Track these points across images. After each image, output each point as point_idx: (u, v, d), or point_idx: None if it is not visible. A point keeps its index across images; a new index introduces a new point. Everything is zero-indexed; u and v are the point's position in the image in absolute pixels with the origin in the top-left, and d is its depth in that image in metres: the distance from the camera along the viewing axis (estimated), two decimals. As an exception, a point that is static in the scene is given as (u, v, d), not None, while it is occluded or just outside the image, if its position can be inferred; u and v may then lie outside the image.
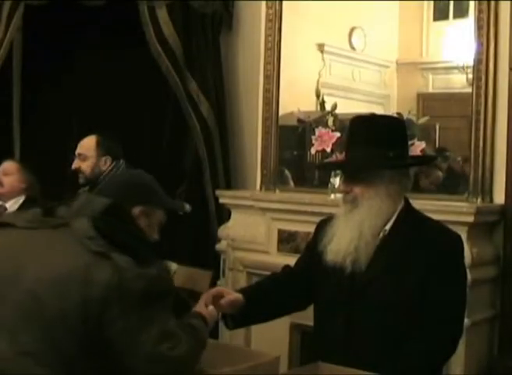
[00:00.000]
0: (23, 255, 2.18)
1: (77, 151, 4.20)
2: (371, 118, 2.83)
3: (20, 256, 2.19)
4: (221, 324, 4.64)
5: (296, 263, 3.00)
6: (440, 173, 4.43)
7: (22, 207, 4.58)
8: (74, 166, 4.19)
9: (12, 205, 4.57)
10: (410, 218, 2.67)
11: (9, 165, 4.66)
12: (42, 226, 2.25)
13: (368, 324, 2.58)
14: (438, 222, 2.77)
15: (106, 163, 4.16)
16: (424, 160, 3.80)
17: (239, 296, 2.72)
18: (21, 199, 4.58)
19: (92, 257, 2.11)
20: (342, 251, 2.61)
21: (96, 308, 2.06)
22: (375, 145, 2.61)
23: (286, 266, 3.01)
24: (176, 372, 2.18)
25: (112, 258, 2.10)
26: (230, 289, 4.52)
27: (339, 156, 4.31)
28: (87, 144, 4.20)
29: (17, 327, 2.08)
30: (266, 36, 4.86)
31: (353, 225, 2.60)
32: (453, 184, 4.40)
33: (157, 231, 2.54)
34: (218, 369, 2.29)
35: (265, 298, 2.84)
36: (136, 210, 2.43)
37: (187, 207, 2.82)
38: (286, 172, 4.92)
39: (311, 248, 2.85)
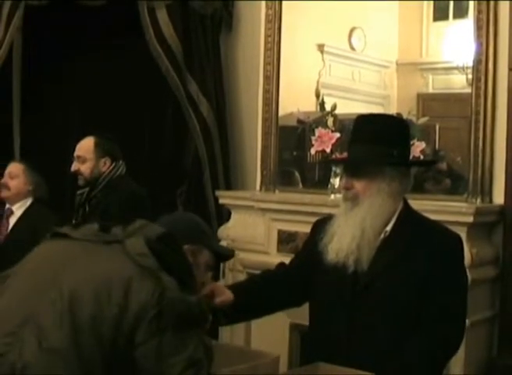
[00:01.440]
0: (72, 261, 2.21)
1: (76, 153, 4.19)
2: (376, 116, 2.84)
3: (68, 261, 2.22)
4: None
5: (291, 261, 3.01)
6: (448, 181, 4.43)
7: (30, 208, 4.57)
8: (73, 168, 4.18)
9: (18, 208, 4.57)
10: (410, 219, 2.67)
11: (15, 167, 4.63)
12: (96, 240, 2.28)
13: (370, 324, 2.58)
14: (437, 222, 2.77)
15: (105, 164, 4.15)
16: (425, 162, 3.81)
17: (229, 295, 2.72)
18: (28, 201, 4.56)
19: (139, 271, 2.13)
20: (344, 250, 2.60)
21: (130, 321, 2.07)
22: (379, 143, 2.61)
23: (281, 264, 3.02)
24: None
25: (158, 276, 2.12)
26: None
27: (338, 156, 4.31)
28: (86, 146, 4.19)
29: (48, 324, 2.09)
30: (266, 36, 4.85)
31: (354, 223, 2.59)
32: (452, 185, 4.41)
33: (205, 274, 2.58)
34: (218, 369, 2.29)
35: (257, 293, 2.85)
36: (186, 247, 2.44)
37: (232, 251, 2.86)
38: (296, 174, 4.92)
39: (308, 248, 2.85)
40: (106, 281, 2.12)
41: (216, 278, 4.70)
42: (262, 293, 2.85)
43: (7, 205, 4.59)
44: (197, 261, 2.50)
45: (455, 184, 4.39)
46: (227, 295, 2.72)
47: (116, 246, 2.23)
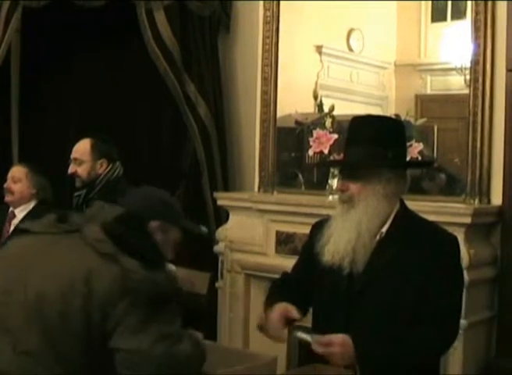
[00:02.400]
0: (33, 260, 2.22)
1: (72, 155, 4.19)
2: (372, 118, 2.84)
3: (30, 260, 2.22)
4: (219, 325, 4.69)
5: (293, 268, 2.99)
6: (443, 176, 4.42)
7: (32, 211, 4.56)
8: (70, 170, 4.19)
9: (21, 211, 4.55)
10: (406, 220, 2.67)
11: (18, 171, 4.61)
12: (55, 232, 2.29)
13: (366, 325, 2.58)
14: (434, 223, 2.77)
15: (102, 166, 4.15)
16: (422, 164, 3.81)
17: (294, 310, 2.69)
18: (31, 204, 4.55)
19: (99, 260, 2.14)
20: (340, 252, 2.61)
21: (98, 310, 2.08)
22: (375, 145, 2.61)
23: (284, 274, 3.01)
24: (179, 370, 2.18)
25: (118, 261, 2.13)
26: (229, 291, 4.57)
27: (336, 157, 4.32)
28: (82, 149, 4.19)
29: (20, 328, 2.10)
30: (264, 38, 4.85)
31: (350, 225, 2.60)
32: (447, 182, 4.41)
33: (171, 251, 2.55)
34: (216, 370, 2.29)
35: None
36: (154, 224, 2.43)
37: (204, 230, 2.85)
38: (300, 175, 4.92)
39: (307, 251, 2.85)
40: (69, 275, 2.12)
41: (215, 280, 4.70)
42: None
43: (10, 208, 4.58)
44: (167, 237, 2.49)
45: (449, 183, 4.39)
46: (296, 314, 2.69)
47: (75, 235, 2.24)
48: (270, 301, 2.77)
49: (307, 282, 2.82)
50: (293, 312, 2.64)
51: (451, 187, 4.39)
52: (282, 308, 2.66)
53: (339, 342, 2.47)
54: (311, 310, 2.85)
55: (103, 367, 2.15)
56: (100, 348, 2.11)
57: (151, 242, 2.35)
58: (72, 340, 2.08)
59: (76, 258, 2.17)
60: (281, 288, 2.91)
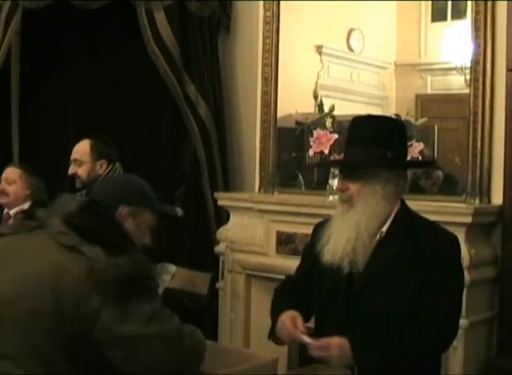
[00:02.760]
0: (3, 262, 2.23)
1: (72, 156, 4.20)
2: (372, 118, 2.84)
3: (0, 263, 2.23)
4: (220, 325, 4.69)
5: (296, 270, 2.99)
6: (441, 173, 4.42)
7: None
8: (70, 171, 4.20)
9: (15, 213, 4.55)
10: (406, 219, 2.67)
11: (12, 172, 4.60)
12: (21, 231, 2.29)
13: (366, 325, 2.58)
14: (434, 223, 2.77)
15: (102, 167, 4.15)
16: (422, 163, 3.81)
17: (298, 315, 2.68)
18: (26, 205, 4.55)
19: (64, 253, 2.14)
20: (339, 252, 2.61)
21: (70, 305, 2.07)
22: (374, 145, 2.62)
23: (288, 278, 3.01)
24: (173, 348, 2.18)
25: (81, 252, 2.12)
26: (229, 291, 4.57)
27: (337, 157, 4.32)
28: (82, 150, 4.20)
29: None
30: (264, 38, 4.86)
31: (349, 225, 2.60)
32: (450, 185, 4.41)
33: (147, 235, 2.51)
34: (217, 370, 2.29)
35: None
36: (123, 210, 2.41)
37: (179, 211, 2.76)
38: (300, 176, 4.92)
39: (309, 252, 2.85)
40: (36, 271, 2.13)
41: (215, 280, 4.71)
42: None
43: (5, 210, 4.58)
44: (138, 222, 2.44)
45: (447, 181, 4.39)
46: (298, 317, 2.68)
47: (40, 231, 2.25)
48: (276, 311, 2.78)
49: (310, 284, 2.83)
50: (299, 320, 2.64)
51: (448, 185, 4.39)
52: (290, 316, 2.65)
53: (336, 345, 2.48)
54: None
55: (88, 365, 2.14)
56: (81, 344, 2.10)
57: (115, 228, 2.31)
58: (50, 338, 2.08)
59: (42, 255, 2.17)
60: (284, 296, 2.90)
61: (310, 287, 2.82)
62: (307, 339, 2.53)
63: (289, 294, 2.89)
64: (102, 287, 2.07)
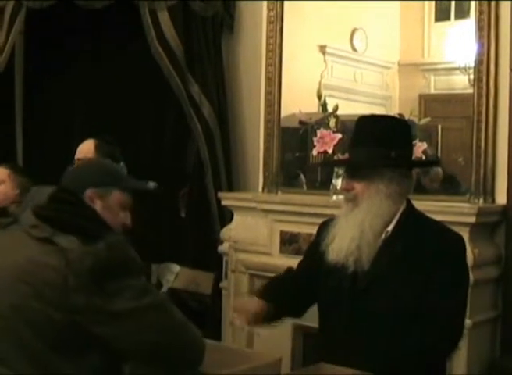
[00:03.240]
0: None
1: (76, 156, 4.19)
2: (377, 118, 2.84)
3: None
4: (224, 325, 4.69)
5: (298, 265, 3.01)
6: (440, 170, 4.42)
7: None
8: None
9: None
10: (412, 219, 2.67)
11: (0, 172, 4.58)
12: None
13: (370, 324, 2.58)
14: (440, 223, 2.77)
15: None
16: (426, 163, 3.81)
17: (262, 305, 2.72)
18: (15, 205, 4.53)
19: (38, 246, 2.12)
20: (343, 250, 2.61)
21: (52, 294, 2.05)
22: (378, 145, 2.62)
23: (289, 270, 3.02)
24: (167, 317, 2.18)
25: (55, 243, 2.10)
26: (233, 291, 4.57)
27: (340, 157, 4.32)
28: (86, 149, 4.19)
29: None
30: (267, 38, 4.86)
31: (354, 224, 2.60)
32: (452, 184, 4.41)
33: (125, 215, 2.43)
34: (220, 370, 2.29)
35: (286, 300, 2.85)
36: (88, 193, 2.34)
37: (151, 185, 2.71)
38: (301, 176, 4.92)
39: (313, 250, 2.85)
40: (14, 268, 2.11)
41: (219, 280, 4.71)
42: (283, 300, 2.85)
43: None
44: (107, 203, 2.37)
45: (447, 178, 4.39)
46: (258, 305, 2.72)
47: (14, 227, 2.24)
48: (264, 288, 2.88)
49: (308, 280, 2.84)
50: (254, 305, 2.71)
51: (449, 184, 4.39)
52: (257, 303, 2.73)
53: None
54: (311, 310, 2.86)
55: (84, 360, 2.12)
56: (74, 336, 2.08)
57: (85, 213, 2.27)
58: (33, 332, 2.06)
59: (17, 250, 2.16)
60: (277, 284, 2.95)
61: (306, 283, 2.84)
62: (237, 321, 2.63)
63: (281, 284, 2.93)
64: (81, 276, 2.05)
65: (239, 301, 2.76)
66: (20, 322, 2.07)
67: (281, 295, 2.83)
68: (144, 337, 2.13)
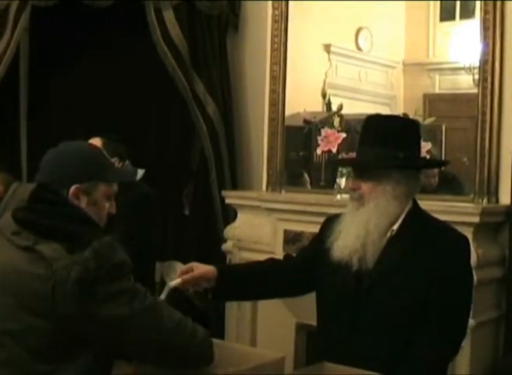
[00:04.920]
0: None
1: None
2: (385, 118, 2.84)
3: None
4: (227, 324, 4.70)
5: (297, 254, 3.07)
6: (436, 169, 4.40)
7: None
8: None
9: None
10: (417, 219, 2.67)
11: None
12: None
13: (374, 323, 2.58)
14: (444, 223, 2.77)
15: None
16: (434, 164, 3.80)
17: (210, 269, 2.74)
18: None
19: (20, 254, 2.01)
20: (348, 248, 2.61)
21: (39, 305, 1.98)
22: (386, 145, 2.61)
23: (287, 255, 3.06)
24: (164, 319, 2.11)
25: (38, 251, 1.99)
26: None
27: (345, 157, 4.32)
28: None
29: None
30: (272, 37, 4.86)
31: (359, 223, 2.60)
32: (452, 184, 4.41)
33: (110, 204, 2.31)
34: (223, 369, 2.29)
35: (251, 276, 2.90)
36: (73, 190, 2.19)
37: (139, 173, 2.59)
38: (305, 175, 4.92)
39: (316, 244, 2.86)
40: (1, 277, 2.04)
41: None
42: (255, 277, 2.89)
43: None
44: (93, 198, 2.23)
45: (445, 178, 4.39)
46: (208, 269, 2.74)
47: None
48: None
49: (301, 271, 2.87)
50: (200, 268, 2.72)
51: (449, 183, 4.39)
52: (187, 266, 2.74)
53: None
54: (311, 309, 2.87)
55: (71, 365, 2.05)
56: (60, 344, 2.02)
57: (70, 214, 2.13)
58: (17, 343, 2.00)
59: (2, 259, 2.05)
60: (252, 264, 3.09)
61: (303, 269, 2.87)
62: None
63: (274, 264, 2.97)
64: (69, 287, 1.95)
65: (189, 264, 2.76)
66: (5, 334, 2.00)
67: (247, 273, 2.89)
68: (141, 340, 2.09)
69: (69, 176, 2.21)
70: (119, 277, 2.05)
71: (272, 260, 3.02)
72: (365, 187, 2.62)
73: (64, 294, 1.96)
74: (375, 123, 2.74)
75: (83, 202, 2.21)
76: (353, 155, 3.64)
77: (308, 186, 4.91)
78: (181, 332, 2.15)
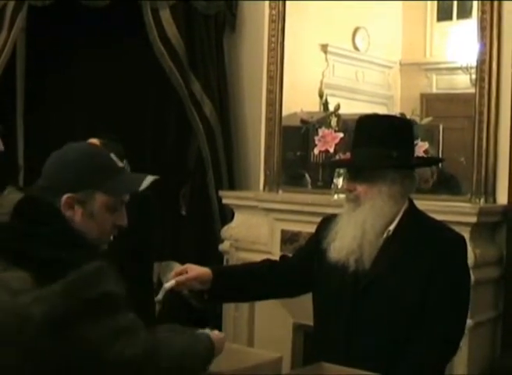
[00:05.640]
0: None
1: None
2: (378, 117, 2.83)
3: None
4: (224, 324, 4.69)
5: (293, 254, 3.07)
6: (428, 169, 4.39)
7: None
8: None
9: None
10: (413, 219, 2.66)
11: None
12: None
13: (370, 324, 2.58)
14: (441, 222, 2.77)
15: None
16: (428, 161, 3.80)
17: (205, 271, 2.74)
18: None
19: None
20: (345, 249, 2.61)
21: (7, 341, 1.75)
22: (380, 145, 2.61)
23: (283, 256, 3.09)
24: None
25: (3, 281, 1.76)
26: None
27: (342, 157, 4.32)
28: None
29: None
30: (269, 36, 4.86)
31: (355, 224, 2.60)
32: (451, 185, 4.41)
33: (112, 217, 2.05)
34: (220, 369, 2.29)
35: (247, 277, 2.89)
36: (65, 199, 1.96)
37: (148, 179, 2.19)
38: (307, 176, 4.92)
39: (313, 245, 2.85)
40: None
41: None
42: (251, 278, 2.88)
43: None
44: (89, 209, 1.99)
45: (445, 180, 4.39)
46: (203, 271, 2.74)
47: None
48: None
49: (298, 272, 2.86)
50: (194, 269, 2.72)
51: (446, 183, 4.39)
52: (182, 268, 2.73)
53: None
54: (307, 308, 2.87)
55: None
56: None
57: (52, 235, 1.87)
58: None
59: None
60: (245, 265, 3.10)
61: (299, 269, 2.87)
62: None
63: (271, 265, 2.95)
64: (34, 325, 1.72)
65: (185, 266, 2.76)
66: None
67: (243, 275, 2.89)
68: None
69: (66, 183, 1.98)
70: (103, 314, 1.79)
71: (268, 261, 3.01)
72: (361, 188, 2.62)
73: (31, 333, 1.72)
74: (367, 123, 2.73)
75: (77, 214, 1.98)
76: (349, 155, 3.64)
77: (309, 186, 4.90)
78: (183, 369, 1.97)
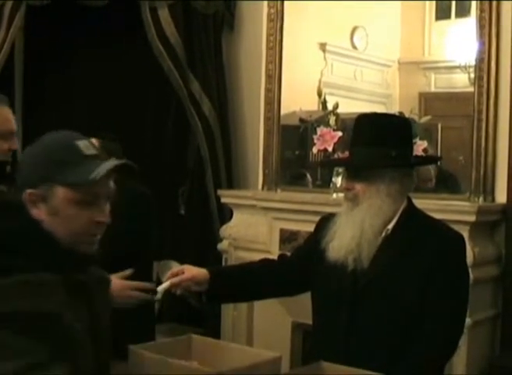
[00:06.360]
0: None
1: None
2: (376, 116, 2.82)
3: None
4: (223, 323, 4.69)
5: (292, 253, 3.07)
6: (430, 168, 4.40)
7: None
8: None
9: None
10: (412, 217, 2.66)
11: None
12: None
13: (370, 323, 2.58)
14: (440, 221, 2.77)
15: None
16: (427, 160, 3.80)
17: (202, 272, 2.74)
18: None
19: None
20: (343, 248, 2.61)
21: None
22: (378, 144, 2.61)
23: (282, 255, 3.09)
24: None
25: None
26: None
27: (340, 155, 4.32)
28: None
29: None
30: (268, 35, 4.86)
31: (354, 223, 2.60)
32: (451, 184, 4.41)
33: (86, 213, 1.83)
34: (219, 368, 2.29)
35: (245, 277, 2.89)
36: (26, 196, 1.81)
37: (110, 164, 1.87)
38: (308, 176, 4.92)
39: (311, 244, 2.85)
40: None
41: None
42: (249, 278, 2.89)
43: None
44: (52, 206, 1.80)
45: (457, 183, 4.38)
46: (199, 271, 2.75)
47: None
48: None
49: (296, 271, 2.87)
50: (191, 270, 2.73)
51: (444, 181, 4.39)
52: (178, 269, 2.73)
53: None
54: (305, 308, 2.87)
55: None
56: None
57: (18, 230, 1.75)
58: None
59: None
60: (243, 265, 3.10)
61: (297, 268, 2.87)
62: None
63: (269, 265, 2.96)
64: None
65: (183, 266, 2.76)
66: None
67: (241, 275, 2.89)
68: None
69: (26, 178, 1.82)
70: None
71: (266, 260, 3.01)
72: (359, 187, 2.62)
73: None
74: (366, 122, 2.73)
75: (42, 213, 1.81)
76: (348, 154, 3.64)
77: (307, 185, 4.90)
78: None
